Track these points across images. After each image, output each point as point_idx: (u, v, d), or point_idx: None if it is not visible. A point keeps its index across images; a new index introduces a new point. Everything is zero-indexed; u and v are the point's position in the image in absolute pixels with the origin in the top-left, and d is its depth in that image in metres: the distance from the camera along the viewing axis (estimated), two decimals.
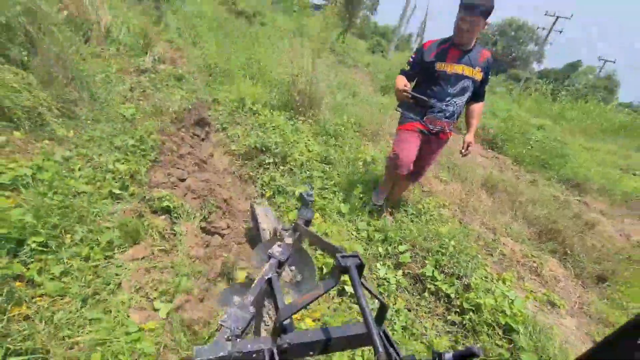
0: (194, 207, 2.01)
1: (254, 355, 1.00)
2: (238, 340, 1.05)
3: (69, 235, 1.54)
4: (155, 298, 1.39)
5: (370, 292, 1.02)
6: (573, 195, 5.09)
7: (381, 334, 0.99)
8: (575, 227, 3.48)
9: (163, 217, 1.88)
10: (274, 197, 2.45)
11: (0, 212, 1.38)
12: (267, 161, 2.74)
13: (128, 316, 1.28)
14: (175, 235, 1.81)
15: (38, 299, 1.28)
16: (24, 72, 2.44)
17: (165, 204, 1.89)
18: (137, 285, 1.43)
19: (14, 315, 1.18)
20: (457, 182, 4.04)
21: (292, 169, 2.80)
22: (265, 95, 4.19)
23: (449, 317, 1.86)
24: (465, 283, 1.97)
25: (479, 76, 2.19)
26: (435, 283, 1.99)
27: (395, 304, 1.91)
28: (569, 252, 3.08)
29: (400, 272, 2.14)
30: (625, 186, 5.73)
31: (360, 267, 0.98)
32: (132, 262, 1.56)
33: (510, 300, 1.85)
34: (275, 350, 0.99)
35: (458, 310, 1.87)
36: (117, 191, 1.89)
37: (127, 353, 1.13)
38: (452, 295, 1.92)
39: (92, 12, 3.81)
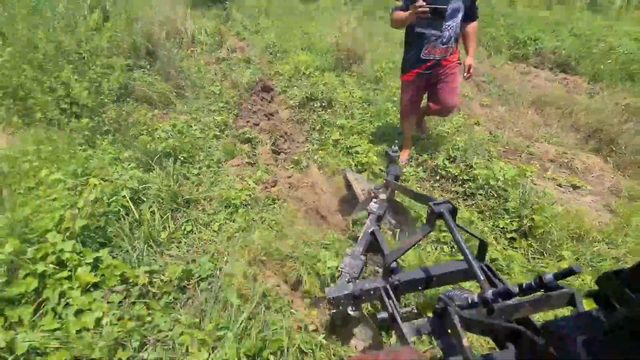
0: (265, 138, 2.98)
1: (372, 292, 1.20)
2: (357, 281, 1.27)
3: (196, 156, 2.64)
4: (247, 178, 2.39)
5: (468, 232, 1.16)
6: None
7: (484, 267, 1.07)
8: (627, 128, 3.43)
9: (247, 144, 2.89)
10: (322, 129, 3.27)
11: (165, 143, 2.52)
12: (315, 105, 3.57)
13: (234, 186, 2.29)
14: (255, 155, 2.80)
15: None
16: (150, 73, 3.74)
17: (247, 136, 2.90)
18: (237, 174, 2.44)
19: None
20: (502, 104, 4.23)
21: (336, 110, 3.57)
22: (317, 60, 4.98)
23: (452, 189, 2.46)
24: (468, 164, 2.51)
25: None
26: (446, 169, 2.58)
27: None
28: (613, 148, 3.17)
29: (420, 169, 2.77)
30: None
31: (453, 212, 1.09)
32: (231, 167, 2.59)
33: (504, 172, 2.33)
34: (388, 287, 1.17)
35: (460, 182, 2.45)
36: (218, 133, 2.97)
37: (236, 197, 2.12)
38: (457, 174, 2.49)
39: (181, 26, 5.12)
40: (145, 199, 1.99)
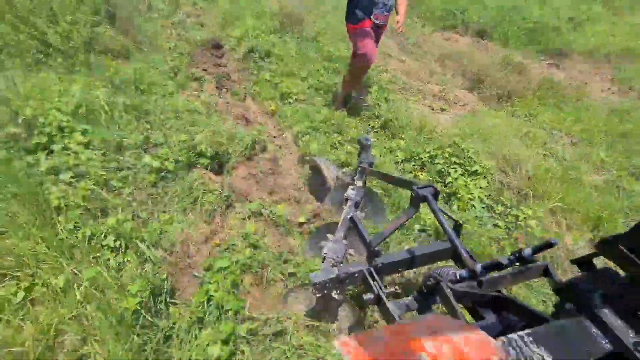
0: (212, 76, 3.80)
1: (356, 275, 1.24)
2: (341, 265, 1.31)
3: (153, 89, 3.41)
4: (194, 101, 3.21)
5: (446, 214, 1.20)
6: (545, 61, 5.85)
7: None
8: (502, 74, 4.52)
9: (195, 82, 3.70)
10: (258, 73, 4.12)
11: (127, 76, 3.28)
12: (255, 57, 4.40)
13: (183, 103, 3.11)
14: (202, 90, 3.62)
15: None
16: (111, 30, 4.39)
17: (196, 76, 3.71)
18: (186, 99, 3.26)
19: None
20: (415, 60, 5.23)
21: (272, 60, 4.42)
22: (264, 24, 5.75)
23: None
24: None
25: None
26: None
27: None
28: (481, 86, 4.25)
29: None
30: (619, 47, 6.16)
31: (435, 195, 1.16)
32: (182, 96, 3.40)
33: (390, 98, 3.31)
34: (372, 269, 1.21)
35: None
36: (172, 75, 3.75)
37: (183, 107, 2.96)
38: None
39: None
40: (114, 108, 2.78)
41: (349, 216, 1.58)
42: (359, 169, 1.87)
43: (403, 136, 2.87)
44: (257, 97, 3.62)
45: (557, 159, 2.83)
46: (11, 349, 1.17)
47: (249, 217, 1.96)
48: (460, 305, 0.97)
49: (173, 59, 4.09)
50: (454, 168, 2.35)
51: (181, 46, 4.46)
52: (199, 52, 4.54)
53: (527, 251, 0.90)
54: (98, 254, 1.58)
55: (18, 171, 1.88)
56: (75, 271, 1.47)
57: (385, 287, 1.24)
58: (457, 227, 1.23)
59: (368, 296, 1.18)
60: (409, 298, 1.16)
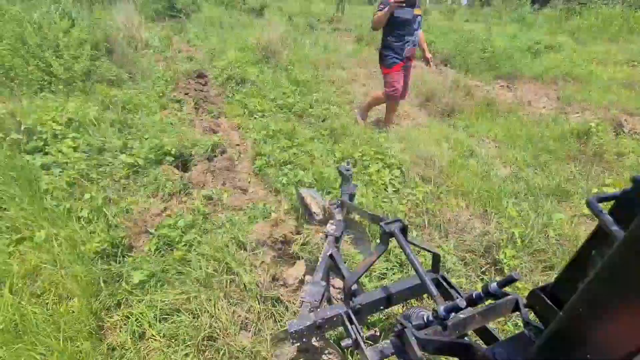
0: (192, 99, 4.42)
1: (334, 319, 1.21)
2: (318, 310, 1.27)
3: (139, 109, 4.00)
4: (172, 117, 3.80)
5: (419, 246, 1.22)
6: (498, 84, 6.54)
7: (439, 278, 1.14)
8: (450, 94, 5.13)
9: (177, 103, 4.30)
10: (233, 95, 4.74)
11: (117, 97, 3.88)
12: (232, 82, 5.06)
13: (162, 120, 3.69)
14: (182, 110, 4.21)
15: None
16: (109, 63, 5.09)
17: (178, 98, 4.33)
18: (166, 117, 3.85)
19: None
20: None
21: (246, 85, 5.07)
22: (246, 57, 6.51)
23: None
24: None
25: (420, 12, 3.52)
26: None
27: None
28: (428, 103, 4.85)
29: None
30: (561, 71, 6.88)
31: (403, 229, 1.15)
32: (163, 113, 3.98)
33: (337, 112, 3.88)
34: (350, 312, 1.19)
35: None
36: (157, 98, 4.37)
37: (163, 122, 3.53)
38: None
39: (136, 32, 6.53)
40: (102, 122, 3.34)
41: (328, 253, 1.53)
42: (339, 201, 1.85)
43: (345, 141, 3.40)
44: (228, 114, 4.21)
45: (477, 158, 3.33)
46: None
47: (200, 199, 2.44)
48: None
49: (159, 85, 4.74)
50: (376, 162, 2.85)
51: (168, 75, 5.14)
52: (183, 80, 5.21)
53: (493, 285, 0.86)
54: (74, 221, 2.05)
55: (18, 165, 2.39)
56: (55, 231, 1.94)
57: (368, 328, 1.20)
58: (436, 259, 1.21)
59: (346, 342, 1.14)
60: (387, 342, 1.10)
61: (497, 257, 1.97)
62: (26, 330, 1.38)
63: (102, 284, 1.63)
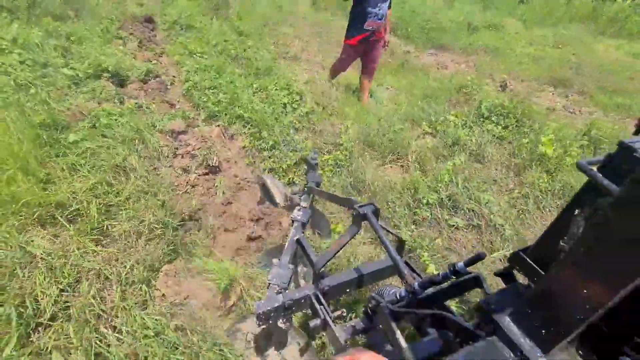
0: (137, 38, 4.87)
1: (302, 301, 1.26)
2: (286, 292, 1.32)
3: (83, 42, 4.42)
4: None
5: (388, 230, 1.25)
6: (426, 52, 7.43)
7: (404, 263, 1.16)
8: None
9: (122, 42, 4.74)
10: (179, 38, 5.23)
11: (60, 29, 4.28)
12: (178, 28, 5.52)
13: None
14: (125, 46, 4.66)
15: None
16: None
17: (122, 36, 4.76)
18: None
19: None
20: (319, 43, 6.56)
21: (192, 33, 5.54)
22: (196, 7, 6.87)
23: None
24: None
25: None
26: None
27: None
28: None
29: None
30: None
31: (376, 212, 1.20)
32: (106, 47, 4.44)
33: (265, 56, 4.53)
34: (318, 293, 1.24)
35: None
36: (103, 34, 4.77)
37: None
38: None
39: None
40: (46, 45, 3.77)
41: (295, 238, 1.58)
42: (306, 189, 1.92)
43: (265, 78, 4.10)
44: (170, 54, 4.73)
45: (376, 100, 4.17)
46: None
47: (131, 105, 3.06)
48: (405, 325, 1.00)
49: (104, 24, 5.11)
50: (282, 90, 3.59)
51: (116, 17, 5.48)
52: (130, 22, 5.58)
53: (460, 264, 0.92)
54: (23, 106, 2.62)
55: None
56: (7, 112, 2.51)
57: (334, 310, 1.26)
58: (400, 243, 1.26)
59: (314, 322, 1.18)
60: (356, 320, 1.17)
61: (339, 141, 2.82)
62: None
63: (45, 138, 2.26)
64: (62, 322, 1.34)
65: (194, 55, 4.64)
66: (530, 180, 2.62)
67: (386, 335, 1.03)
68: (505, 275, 1.02)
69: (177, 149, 2.59)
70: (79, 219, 1.80)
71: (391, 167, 2.79)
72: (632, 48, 9.84)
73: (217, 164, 2.49)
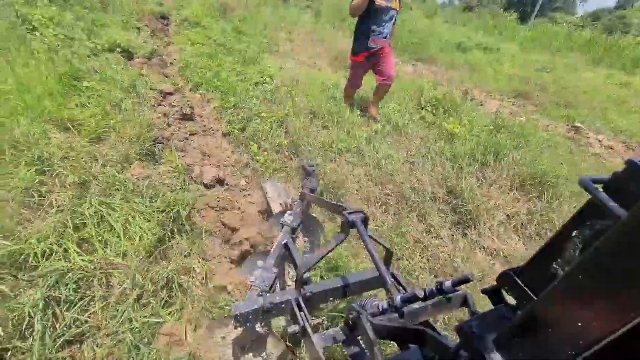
0: (151, 29, 5.89)
1: (283, 306, 1.24)
2: (267, 294, 1.30)
3: (107, 27, 5.44)
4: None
5: (376, 240, 1.25)
6: (409, 63, 8.32)
7: (389, 274, 1.16)
8: None
9: (137, 30, 5.77)
10: (186, 32, 6.23)
11: (87, 17, 5.33)
12: (187, 24, 6.55)
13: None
14: (139, 34, 5.68)
15: None
16: None
17: (138, 26, 5.79)
18: None
19: None
20: (311, 47, 7.51)
21: (199, 29, 6.56)
22: (206, 10, 7.96)
23: None
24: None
25: (398, 6, 3.61)
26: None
27: None
28: (336, 61, 6.52)
29: None
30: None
31: (364, 220, 1.20)
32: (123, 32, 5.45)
33: (254, 50, 5.47)
34: (300, 299, 1.23)
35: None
36: (123, 23, 5.81)
37: None
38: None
39: None
40: (76, 25, 4.78)
41: (283, 242, 1.58)
42: (300, 194, 1.94)
43: (250, 65, 5.01)
44: (176, 43, 5.71)
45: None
46: None
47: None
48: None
49: (125, 15, 6.17)
50: (257, 75, 4.47)
51: (136, 11, 6.56)
52: (148, 17, 6.65)
53: (447, 283, 0.92)
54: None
55: (17, 35, 3.86)
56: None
57: (315, 317, 1.24)
58: (388, 254, 1.26)
59: (292, 328, 1.18)
60: (336, 329, 1.16)
61: (287, 108, 3.65)
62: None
63: (65, 80, 3.15)
64: None
65: (195, 45, 5.62)
66: (432, 147, 3.39)
67: (365, 347, 1.03)
68: (493, 293, 0.95)
69: (162, 100, 3.47)
70: (82, 129, 2.65)
71: (326, 131, 3.59)
72: (621, 78, 10.52)
73: (190, 114, 3.34)
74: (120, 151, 2.46)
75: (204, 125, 3.38)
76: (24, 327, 1.35)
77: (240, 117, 3.38)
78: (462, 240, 2.47)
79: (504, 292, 0.96)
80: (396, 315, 1.00)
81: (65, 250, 1.65)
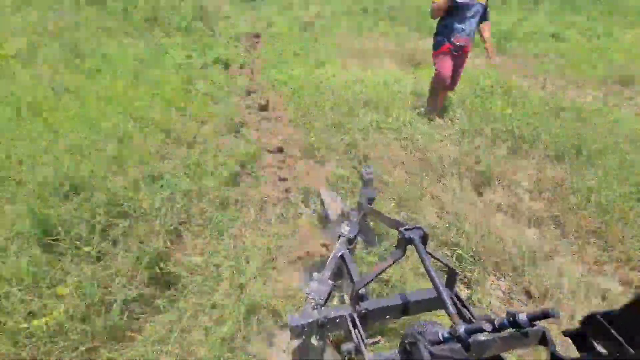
0: (245, 46, 7.33)
1: (337, 321, 1.23)
2: (322, 308, 1.30)
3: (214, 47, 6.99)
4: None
5: (439, 259, 1.21)
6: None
7: (453, 296, 1.12)
8: None
9: (236, 47, 7.24)
10: (272, 44, 7.51)
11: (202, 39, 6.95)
12: (274, 39, 7.86)
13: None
14: (237, 50, 7.12)
15: None
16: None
17: (236, 44, 7.27)
18: None
19: None
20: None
21: (282, 41, 7.78)
22: (290, 28, 9.24)
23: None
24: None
25: (483, 1, 3.42)
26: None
27: None
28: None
29: None
30: None
31: (424, 238, 1.15)
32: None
33: (322, 55, 6.38)
34: (355, 316, 1.21)
35: None
36: (225, 43, 7.34)
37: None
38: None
39: (221, 8, 9.76)
40: (187, 48, 6.34)
41: (339, 254, 1.58)
42: (357, 204, 1.90)
43: (319, 67, 5.89)
44: (262, 54, 6.99)
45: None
46: None
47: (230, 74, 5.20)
48: None
49: (227, 39, 7.73)
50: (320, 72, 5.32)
51: (235, 34, 8.14)
52: (245, 36, 8.18)
53: (523, 317, 0.81)
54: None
55: (160, 55, 5.45)
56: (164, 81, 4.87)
57: (370, 335, 1.23)
58: (452, 274, 1.20)
59: (347, 346, 1.15)
60: (393, 352, 1.09)
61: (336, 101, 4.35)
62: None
63: (180, 84, 4.46)
64: None
65: (276, 54, 6.80)
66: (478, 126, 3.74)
67: None
68: (577, 337, 0.80)
69: (246, 97, 4.59)
70: (193, 113, 3.81)
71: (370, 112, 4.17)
72: None
73: (265, 104, 4.34)
74: (215, 129, 3.53)
75: (275, 114, 4.34)
76: None
77: (302, 106, 4.24)
78: (477, 200, 2.82)
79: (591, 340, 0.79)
80: (459, 345, 0.89)
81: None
